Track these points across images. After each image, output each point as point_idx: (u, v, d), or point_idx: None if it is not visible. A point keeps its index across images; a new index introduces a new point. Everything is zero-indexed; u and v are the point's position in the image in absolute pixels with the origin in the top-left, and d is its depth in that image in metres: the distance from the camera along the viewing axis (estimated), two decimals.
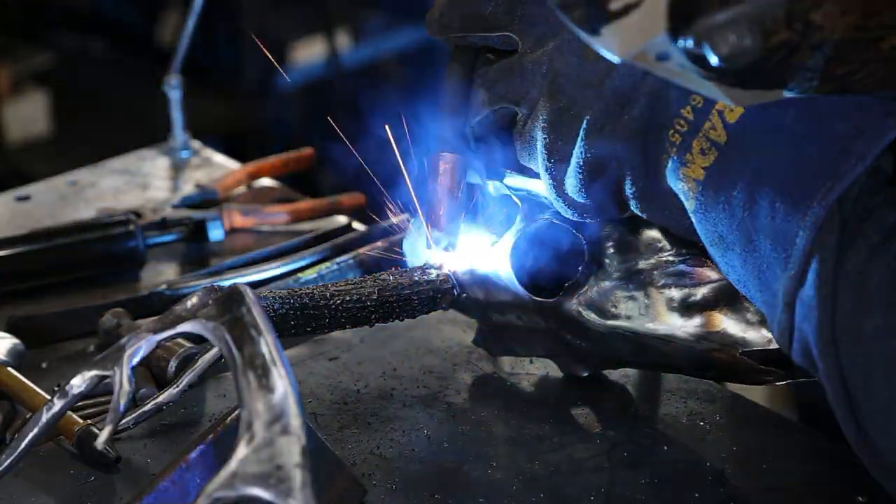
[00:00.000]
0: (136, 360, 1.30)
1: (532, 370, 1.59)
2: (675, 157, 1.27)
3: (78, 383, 1.31)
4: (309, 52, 4.45)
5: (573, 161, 1.35)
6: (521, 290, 1.50)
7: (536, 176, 1.43)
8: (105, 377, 1.31)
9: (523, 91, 1.40)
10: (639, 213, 1.35)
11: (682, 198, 1.28)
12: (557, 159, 1.37)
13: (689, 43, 1.05)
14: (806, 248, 1.17)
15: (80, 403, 1.40)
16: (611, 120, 1.32)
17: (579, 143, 1.34)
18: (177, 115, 2.14)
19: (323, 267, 1.75)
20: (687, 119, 1.26)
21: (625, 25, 1.06)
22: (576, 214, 1.41)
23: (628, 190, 1.34)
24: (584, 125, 1.34)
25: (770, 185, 1.20)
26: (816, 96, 1.19)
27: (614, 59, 1.10)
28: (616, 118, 1.32)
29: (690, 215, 1.28)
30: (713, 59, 1.05)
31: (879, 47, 1.06)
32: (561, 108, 1.36)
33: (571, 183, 1.37)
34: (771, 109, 1.21)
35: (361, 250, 1.76)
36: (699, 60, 1.06)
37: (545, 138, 1.37)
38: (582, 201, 1.38)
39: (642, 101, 1.30)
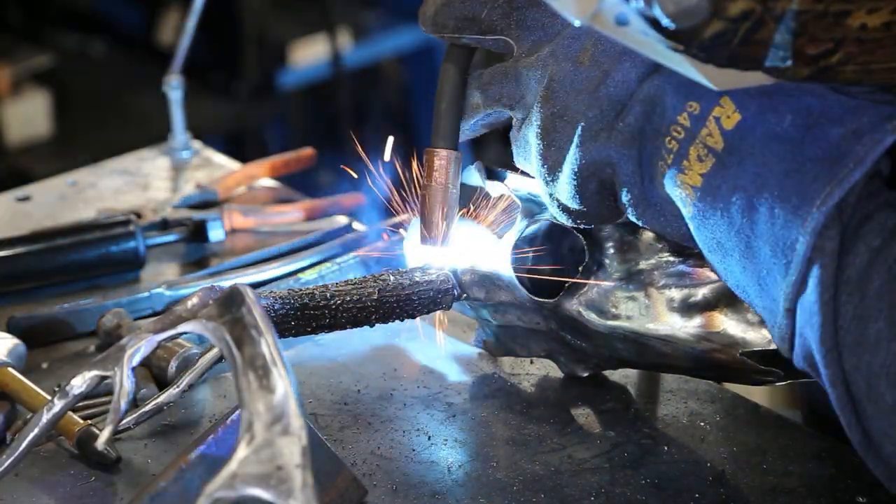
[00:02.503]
0: (136, 361, 1.30)
1: (532, 370, 1.59)
2: (672, 164, 1.26)
3: (78, 383, 1.31)
4: (309, 52, 4.45)
5: (567, 167, 1.35)
6: (521, 290, 1.50)
7: (533, 178, 1.43)
8: (105, 377, 1.31)
9: (518, 96, 1.40)
10: (634, 220, 1.35)
11: (680, 205, 1.27)
12: (552, 165, 1.37)
13: (640, 2, 1.05)
14: (806, 253, 1.17)
15: (80, 404, 1.40)
16: (605, 126, 1.32)
17: (573, 149, 1.34)
18: (177, 115, 2.14)
19: (323, 267, 1.75)
20: (683, 126, 1.26)
21: None
22: (571, 220, 1.40)
23: (623, 197, 1.33)
24: (578, 131, 1.33)
25: (769, 190, 1.20)
26: (812, 101, 1.19)
27: (574, 21, 1.10)
28: (611, 125, 1.31)
29: (688, 222, 1.27)
30: (663, 20, 1.05)
31: (847, 25, 1.06)
32: (555, 113, 1.35)
33: (566, 189, 1.36)
34: (768, 115, 1.21)
35: (361, 250, 1.77)
36: (656, 24, 1.06)
37: (539, 144, 1.37)
38: (576, 207, 1.37)
39: (637, 108, 1.30)
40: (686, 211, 1.26)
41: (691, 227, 1.27)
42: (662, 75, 1.27)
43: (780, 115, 1.20)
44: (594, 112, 1.32)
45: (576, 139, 1.33)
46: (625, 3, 1.06)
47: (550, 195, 1.39)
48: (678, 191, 1.26)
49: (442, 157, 1.48)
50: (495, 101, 1.42)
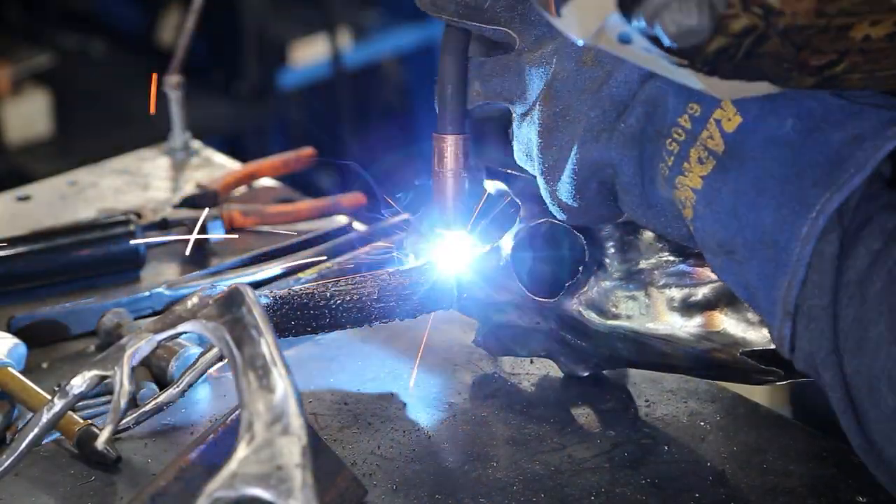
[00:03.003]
0: (136, 361, 1.30)
1: (532, 370, 1.59)
2: (673, 166, 1.26)
3: (78, 383, 1.31)
4: (309, 52, 4.45)
5: (568, 167, 1.35)
6: (521, 290, 1.50)
7: (533, 176, 1.42)
8: (105, 377, 1.31)
9: (519, 91, 1.40)
10: (634, 220, 1.35)
11: (679, 206, 1.27)
12: (552, 164, 1.36)
13: (642, 22, 1.06)
14: (805, 258, 1.17)
15: (79, 403, 1.40)
16: (607, 127, 1.32)
17: (575, 149, 1.34)
18: (177, 115, 2.14)
19: (323, 267, 1.75)
20: (684, 128, 1.26)
21: (581, 4, 1.07)
22: (570, 219, 1.40)
23: (623, 197, 1.33)
24: (579, 132, 1.33)
25: (769, 194, 1.19)
26: (814, 105, 1.19)
27: (578, 40, 1.11)
28: (612, 125, 1.31)
29: (688, 223, 1.27)
30: (665, 40, 1.06)
31: (850, 37, 1.06)
32: (557, 112, 1.35)
33: (566, 188, 1.36)
34: (769, 118, 1.21)
35: (361, 250, 1.76)
36: (658, 43, 1.07)
37: (540, 142, 1.37)
38: (576, 206, 1.37)
39: (639, 109, 1.29)
40: (686, 213, 1.26)
41: (692, 228, 1.27)
42: (664, 77, 1.27)
43: (781, 118, 1.20)
44: (596, 112, 1.32)
45: (577, 139, 1.33)
46: (627, 22, 1.06)
47: (550, 194, 1.38)
48: (678, 192, 1.26)
49: (450, 143, 1.48)
50: (496, 95, 1.42)
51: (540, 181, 1.39)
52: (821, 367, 1.17)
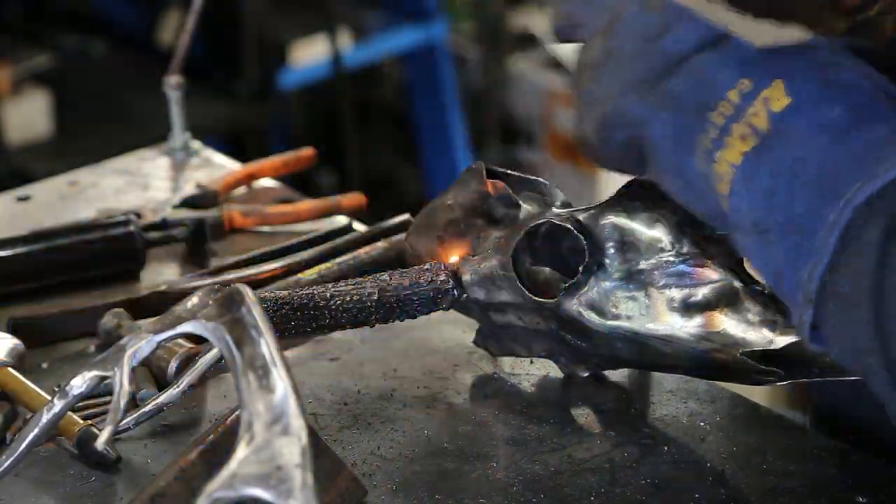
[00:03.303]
0: (136, 361, 1.30)
1: (532, 370, 1.59)
2: (714, 140, 1.25)
3: (78, 384, 1.31)
4: (309, 52, 4.46)
5: (599, 109, 1.32)
6: (521, 289, 1.50)
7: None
8: (105, 378, 1.31)
9: (586, 18, 1.37)
10: (658, 184, 1.32)
11: (715, 180, 1.25)
12: (587, 101, 1.34)
13: None
14: (830, 246, 1.16)
15: (80, 404, 1.40)
16: (651, 83, 1.29)
17: (612, 94, 1.31)
18: (177, 115, 2.14)
19: (323, 267, 1.75)
20: (732, 102, 1.24)
21: None
22: (591, 159, 1.37)
23: (651, 158, 1.31)
24: (622, 76, 1.31)
25: (804, 179, 1.19)
26: (864, 97, 1.19)
27: None
28: (655, 82, 1.29)
29: (722, 199, 1.26)
30: None
31: None
32: (608, 50, 1.32)
33: (593, 129, 1.33)
34: (817, 104, 1.20)
35: (361, 251, 1.76)
36: None
37: (584, 76, 1.34)
38: (598, 152, 1.34)
39: (686, 74, 1.27)
40: (722, 188, 1.25)
41: (727, 205, 1.25)
42: (719, 49, 1.26)
43: (829, 105, 1.20)
44: (646, 64, 1.30)
45: (617, 85, 1.31)
46: None
47: (579, 120, 1.36)
48: (717, 166, 1.25)
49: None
50: (564, 17, 1.40)
51: (574, 104, 1.36)
52: (862, 351, 1.17)
